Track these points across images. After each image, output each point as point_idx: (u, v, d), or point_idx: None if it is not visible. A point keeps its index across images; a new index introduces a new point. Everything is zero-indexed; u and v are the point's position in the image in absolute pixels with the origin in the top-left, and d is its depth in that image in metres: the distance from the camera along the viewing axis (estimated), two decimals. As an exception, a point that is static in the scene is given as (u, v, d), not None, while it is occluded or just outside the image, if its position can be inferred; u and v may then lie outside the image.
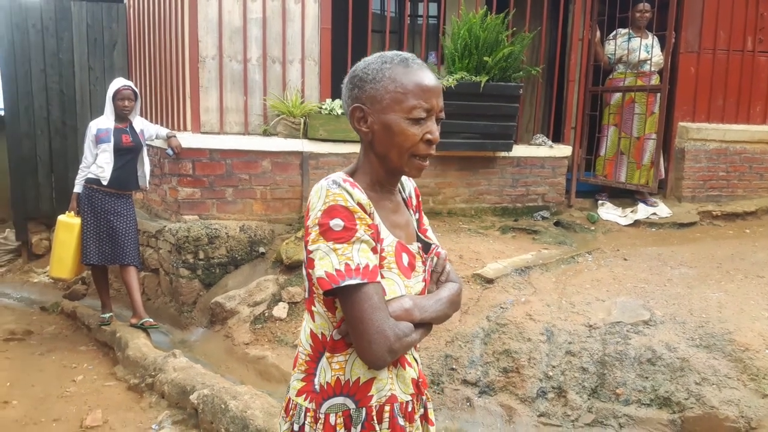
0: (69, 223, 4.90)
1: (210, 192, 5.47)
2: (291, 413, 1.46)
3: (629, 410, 3.31)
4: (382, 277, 1.37)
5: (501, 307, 4.17)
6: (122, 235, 4.93)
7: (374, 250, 1.35)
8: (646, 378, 3.40)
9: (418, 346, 1.53)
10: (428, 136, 1.39)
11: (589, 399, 3.45)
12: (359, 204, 1.34)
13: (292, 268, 5.29)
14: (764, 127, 6.67)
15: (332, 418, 1.38)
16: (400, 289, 1.40)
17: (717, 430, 3.06)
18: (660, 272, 4.53)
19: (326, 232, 1.32)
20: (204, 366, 4.11)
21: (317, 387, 1.41)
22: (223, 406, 3.38)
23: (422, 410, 1.53)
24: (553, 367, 3.65)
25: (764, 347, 3.38)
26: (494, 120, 5.79)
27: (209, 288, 5.42)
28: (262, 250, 5.64)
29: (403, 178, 1.59)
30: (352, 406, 1.38)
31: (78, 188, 4.95)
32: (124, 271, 4.97)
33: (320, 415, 1.39)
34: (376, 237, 1.37)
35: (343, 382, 1.38)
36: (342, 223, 1.31)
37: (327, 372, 1.40)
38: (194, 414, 3.55)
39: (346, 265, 1.29)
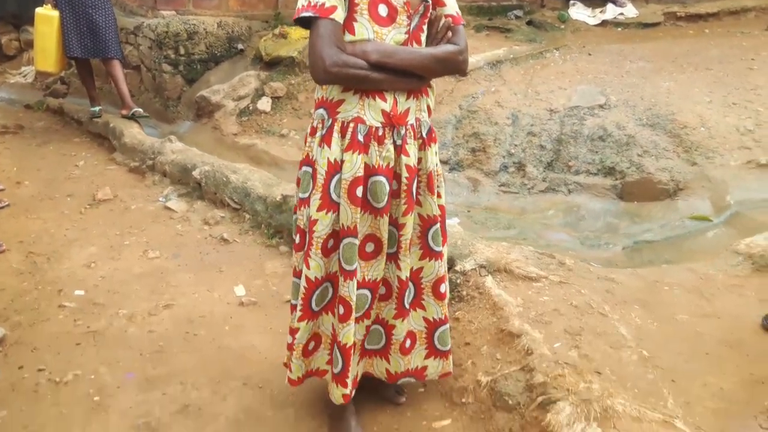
0: (47, 15, 4.90)
1: (185, -15, 5.42)
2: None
3: (578, 179, 3.84)
4: (354, 20, 1.73)
5: (473, 97, 4.52)
6: (102, 28, 4.97)
7: None
8: (596, 152, 3.90)
9: (417, 94, 1.85)
10: None
11: (544, 171, 3.97)
12: None
13: (271, 64, 5.47)
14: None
15: (315, 122, 1.87)
16: (368, 32, 1.74)
17: (650, 191, 3.62)
18: (619, 65, 4.87)
19: None
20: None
21: (315, 100, 1.89)
22: (224, 179, 3.79)
23: (399, 141, 1.85)
24: (516, 146, 4.11)
25: (700, 125, 3.86)
26: None
27: (192, 84, 5.61)
28: (240, 47, 5.76)
29: None
30: (325, 116, 1.83)
31: (52, -21, 4.88)
32: (108, 64, 5.09)
33: (312, 119, 1.89)
34: None
35: (325, 99, 1.84)
36: None
37: (320, 91, 1.87)
38: (198, 187, 3.97)
39: (309, 2, 1.70)
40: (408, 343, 2.06)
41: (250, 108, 5.17)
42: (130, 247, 3.42)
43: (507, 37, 5.73)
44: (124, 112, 5.12)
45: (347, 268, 1.86)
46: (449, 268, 2.71)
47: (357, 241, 1.85)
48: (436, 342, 2.09)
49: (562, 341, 2.20)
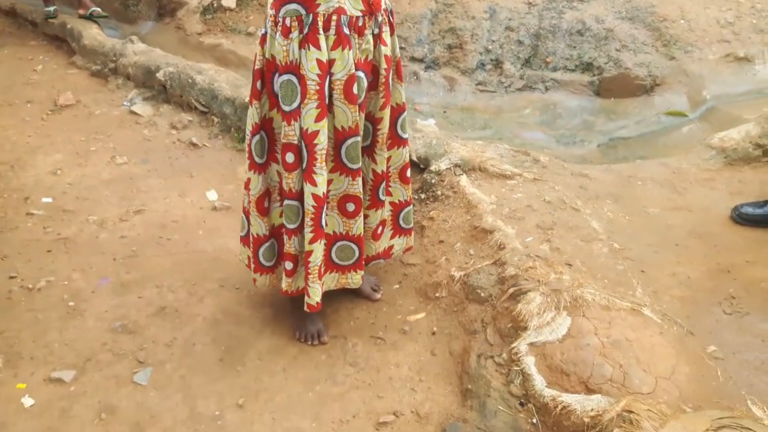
0: None
1: None
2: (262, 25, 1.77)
3: (555, 75, 3.77)
4: None
5: (448, -10, 4.32)
6: None
7: None
8: (574, 48, 3.80)
9: None
10: None
11: (522, 68, 3.87)
12: None
13: (235, -44, 5.14)
14: None
15: (288, 21, 1.66)
16: None
17: (628, 86, 3.57)
18: (601, -45, 4.66)
19: None
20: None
21: None
22: (190, 80, 3.64)
23: (377, 30, 1.77)
24: (493, 41, 3.99)
25: (680, 18, 3.76)
26: None
27: (152, -20, 5.27)
28: (201, -62, 5.37)
29: None
30: (303, 11, 1.64)
31: None
32: (60, -41, 4.73)
33: (279, 19, 1.68)
34: None
35: None
36: None
37: None
38: (162, 90, 3.82)
39: None
40: (379, 229, 2.12)
41: (215, 5, 4.90)
42: (97, 153, 3.32)
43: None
44: (81, 11, 4.82)
45: (353, 167, 1.84)
46: (424, 169, 2.69)
47: (360, 139, 1.82)
48: (401, 222, 2.18)
49: (534, 236, 2.22)
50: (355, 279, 2.05)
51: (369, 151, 1.93)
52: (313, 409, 1.84)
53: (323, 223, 1.85)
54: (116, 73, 4.17)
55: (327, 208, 1.90)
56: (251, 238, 2.01)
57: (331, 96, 1.73)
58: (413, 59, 4.10)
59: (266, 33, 1.74)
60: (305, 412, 1.83)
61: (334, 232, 1.96)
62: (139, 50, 4.13)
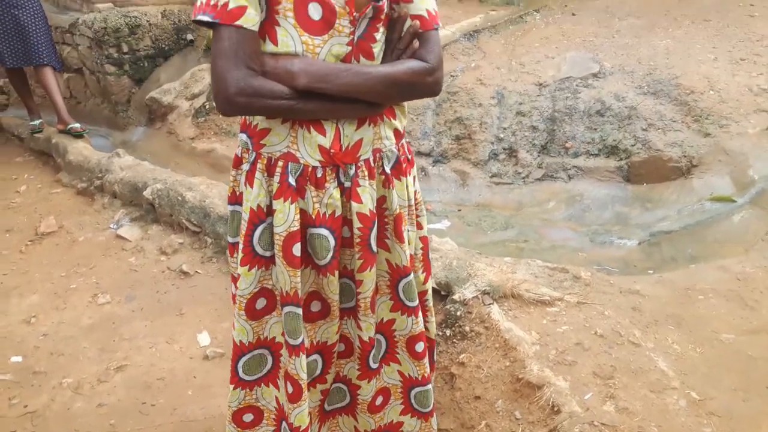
0: (-35, 22, 4.32)
1: (120, -25, 4.85)
2: None
3: (578, 162, 3.43)
4: (276, 24, 1.23)
5: (451, 76, 4.05)
6: (32, 32, 4.39)
7: None
8: (595, 130, 3.47)
9: (375, 118, 1.37)
10: None
11: (539, 156, 3.54)
12: None
13: (227, 54, 4.95)
14: None
15: (239, 151, 1.45)
16: (295, 44, 1.24)
17: (661, 170, 3.22)
18: (608, 24, 4.42)
19: None
20: (151, 164, 3.96)
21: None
22: (179, 198, 3.33)
23: (348, 183, 1.37)
24: (504, 129, 3.68)
25: (708, 89, 3.45)
26: None
27: (141, 84, 5.08)
28: (190, 37, 5.21)
29: None
30: (249, 145, 1.39)
31: (-32, -18, 4.28)
32: (40, 72, 4.51)
33: (238, 143, 1.45)
34: None
35: (247, 122, 1.39)
36: None
37: None
38: (151, 209, 3.50)
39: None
40: (379, 400, 1.66)
41: (207, 107, 4.67)
42: (78, 292, 2.97)
43: (481, 1, 5.24)
44: (59, 127, 4.56)
45: (292, 342, 1.43)
46: (446, 296, 2.31)
47: (300, 310, 1.41)
48: (413, 402, 1.68)
49: (593, 390, 1.81)
50: None
51: (352, 312, 1.53)
52: None
53: (240, 372, 1.53)
54: (102, 190, 3.87)
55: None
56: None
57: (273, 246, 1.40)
58: (419, 154, 3.79)
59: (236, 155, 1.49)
60: None
61: (276, 407, 1.60)
62: (125, 164, 3.85)
